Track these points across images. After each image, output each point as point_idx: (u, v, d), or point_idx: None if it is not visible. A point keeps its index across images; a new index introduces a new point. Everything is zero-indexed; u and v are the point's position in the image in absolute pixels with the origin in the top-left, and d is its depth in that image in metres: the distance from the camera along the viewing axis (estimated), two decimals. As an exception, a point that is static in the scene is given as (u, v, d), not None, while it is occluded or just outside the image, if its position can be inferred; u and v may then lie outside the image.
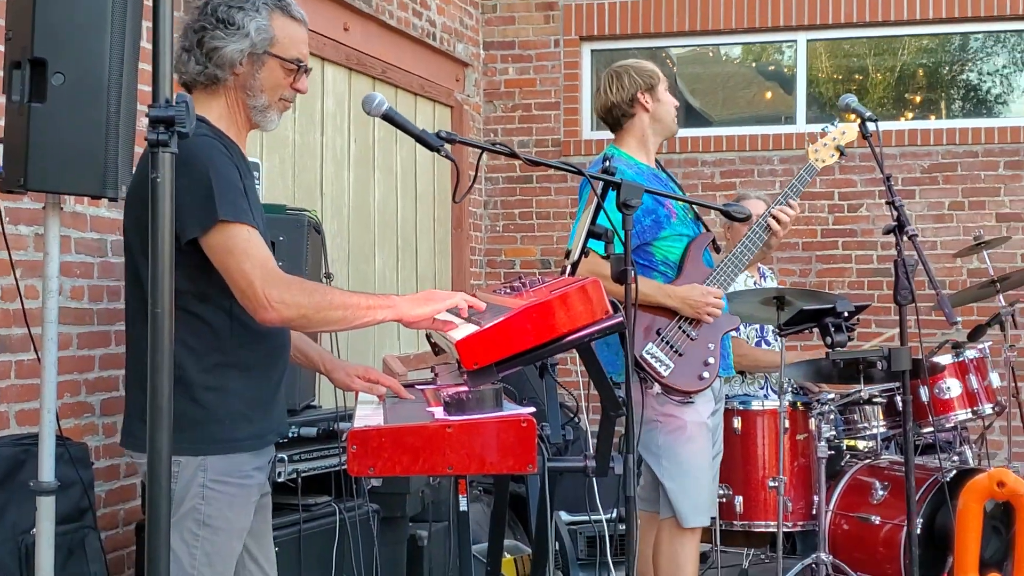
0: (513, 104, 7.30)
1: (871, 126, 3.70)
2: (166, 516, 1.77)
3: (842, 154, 3.91)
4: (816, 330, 3.95)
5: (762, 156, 6.96)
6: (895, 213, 3.59)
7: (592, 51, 7.36)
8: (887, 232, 3.57)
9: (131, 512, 4.00)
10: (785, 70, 7.37)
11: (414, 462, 2.32)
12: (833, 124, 3.93)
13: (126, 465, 4.01)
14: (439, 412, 2.43)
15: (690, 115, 7.58)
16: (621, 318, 2.68)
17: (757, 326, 4.85)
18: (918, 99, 7.31)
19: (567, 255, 3.24)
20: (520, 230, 7.25)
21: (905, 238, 3.55)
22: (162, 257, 1.75)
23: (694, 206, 3.89)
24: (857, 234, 6.81)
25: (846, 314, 3.58)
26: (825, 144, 3.90)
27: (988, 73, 7.15)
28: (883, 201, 6.58)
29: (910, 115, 7.25)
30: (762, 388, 4.78)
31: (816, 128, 6.84)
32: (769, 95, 7.56)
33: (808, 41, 7.17)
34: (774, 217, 3.81)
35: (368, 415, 2.58)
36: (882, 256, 6.74)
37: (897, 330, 3.47)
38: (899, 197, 3.66)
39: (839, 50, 7.34)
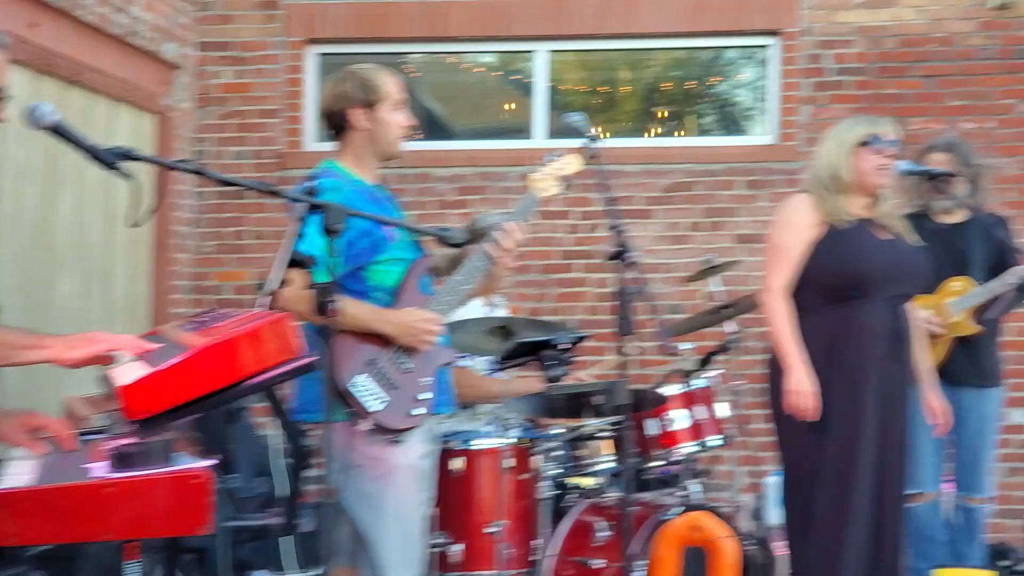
0: (229, 111, 7.15)
1: (594, 146, 3.82)
2: None
3: (567, 186, 4.00)
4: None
5: (499, 172, 7.07)
6: (617, 238, 3.70)
7: (319, 55, 7.32)
8: (610, 259, 3.68)
9: None
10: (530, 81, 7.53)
11: (65, 528, 2.23)
12: (555, 156, 4.01)
13: None
14: (101, 468, 2.34)
15: (433, 126, 7.65)
16: (313, 357, 2.67)
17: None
18: (666, 114, 7.61)
19: (260, 287, 3.19)
20: (232, 251, 7.09)
21: (629, 264, 3.67)
22: None
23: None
24: (594, 256, 6.99)
25: (564, 346, 3.67)
26: (548, 174, 3.98)
27: (736, 88, 7.52)
28: (620, 222, 6.88)
29: (659, 129, 7.54)
30: (490, 423, 4.82)
31: (555, 144, 7.08)
32: (513, 107, 7.71)
33: (550, 52, 7.35)
34: (497, 238, 3.85)
35: (17, 473, 2.46)
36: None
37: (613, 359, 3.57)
38: (623, 220, 3.77)
39: (589, 62, 7.57)
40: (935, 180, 4.73)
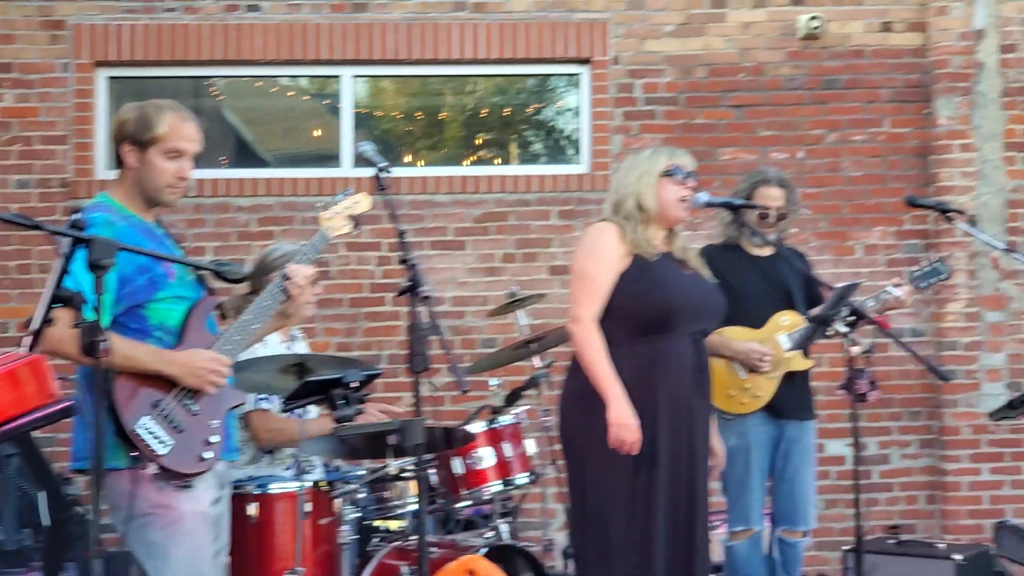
0: (11, 137, 6.90)
1: (384, 177, 3.80)
2: None
3: (357, 224, 3.96)
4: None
5: (304, 202, 6.94)
6: (410, 272, 3.68)
7: (109, 78, 7.12)
8: (400, 294, 3.66)
9: None
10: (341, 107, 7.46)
11: None
12: (345, 193, 3.96)
13: None
14: None
15: (239, 151, 7.50)
16: (70, 402, 2.57)
17: (291, 397, 4.78)
18: (481, 141, 7.63)
19: (26, 325, 3.07)
20: (16, 285, 6.82)
21: (423, 299, 3.66)
22: None
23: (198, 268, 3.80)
24: (405, 289, 6.95)
25: (355, 384, 3.62)
26: (337, 212, 3.93)
27: (559, 115, 7.58)
28: (431, 253, 6.89)
29: (480, 156, 7.56)
30: (290, 468, 4.72)
31: (362, 173, 7.05)
32: (320, 133, 7.62)
33: (355, 77, 7.31)
34: (288, 276, 3.77)
35: None
36: (434, 313, 6.92)
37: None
38: (416, 252, 3.76)
39: (405, 87, 7.53)
40: (739, 212, 4.76)
